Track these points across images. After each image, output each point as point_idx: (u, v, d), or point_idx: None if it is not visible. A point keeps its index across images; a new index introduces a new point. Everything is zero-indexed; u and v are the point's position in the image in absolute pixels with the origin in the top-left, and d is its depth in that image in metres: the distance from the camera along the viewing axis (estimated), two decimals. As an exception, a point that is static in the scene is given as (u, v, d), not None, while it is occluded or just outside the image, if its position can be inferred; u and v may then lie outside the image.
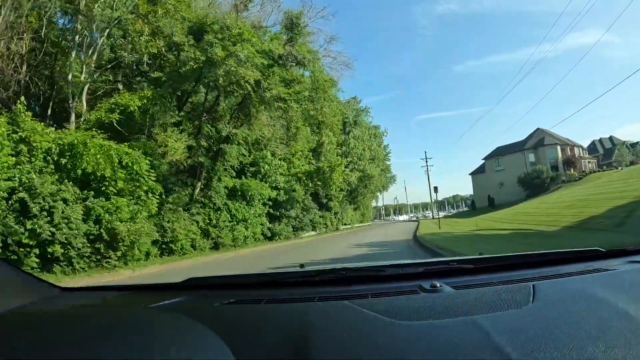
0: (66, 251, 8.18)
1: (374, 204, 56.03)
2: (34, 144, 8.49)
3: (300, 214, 22.57)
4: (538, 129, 44.99)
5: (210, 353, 0.60)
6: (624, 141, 49.38)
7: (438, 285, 0.96)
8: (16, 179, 7.88)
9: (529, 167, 42.05)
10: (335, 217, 29.50)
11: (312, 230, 25.99)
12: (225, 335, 0.67)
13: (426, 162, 49.39)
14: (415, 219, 74.34)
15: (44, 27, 11.71)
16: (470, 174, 49.89)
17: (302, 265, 1.45)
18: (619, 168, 39.97)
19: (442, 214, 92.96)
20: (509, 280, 1.01)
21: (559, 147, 42.58)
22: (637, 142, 48.64)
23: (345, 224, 33.03)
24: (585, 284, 0.88)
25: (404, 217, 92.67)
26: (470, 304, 0.80)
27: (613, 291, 0.79)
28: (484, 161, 47.88)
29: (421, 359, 0.57)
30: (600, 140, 52.70)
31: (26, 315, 0.81)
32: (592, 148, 50.22)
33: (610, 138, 52.76)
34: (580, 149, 45.25)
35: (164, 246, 12.24)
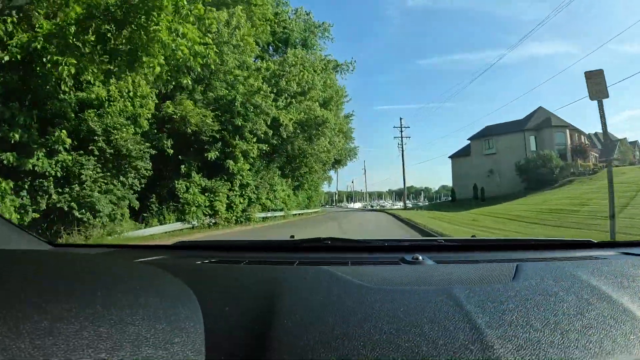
0: None
1: (325, 188, 42.58)
2: None
3: (91, 173, 7.38)
4: (540, 108, 34.77)
5: (179, 304, 0.60)
6: (621, 138, 41.86)
7: (420, 258, 0.98)
8: None
9: (529, 152, 31.79)
10: (243, 196, 14.68)
11: (178, 220, 11.42)
12: (200, 290, 0.68)
13: (401, 132, 37.07)
14: (370, 207, 63.69)
15: None
16: (450, 157, 38.66)
17: (292, 236, 1.60)
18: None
19: (398, 204, 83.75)
20: (493, 259, 1.03)
21: (567, 132, 32.82)
22: (635, 141, 41.65)
23: (272, 210, 18.76)
24: (571, 268, 0.84)
25: (357, 204, 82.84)
26: (449, 277, 0.81)
27: (599, 276, 0.76)
28: (469, 142, 36.84)
29: (385, 320, 0.57)
30: (595, 134, 45.02)
31: (10, 263, 0.73)
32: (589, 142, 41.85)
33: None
34: (585, 138, 36.24)
35: None
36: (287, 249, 1.22)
